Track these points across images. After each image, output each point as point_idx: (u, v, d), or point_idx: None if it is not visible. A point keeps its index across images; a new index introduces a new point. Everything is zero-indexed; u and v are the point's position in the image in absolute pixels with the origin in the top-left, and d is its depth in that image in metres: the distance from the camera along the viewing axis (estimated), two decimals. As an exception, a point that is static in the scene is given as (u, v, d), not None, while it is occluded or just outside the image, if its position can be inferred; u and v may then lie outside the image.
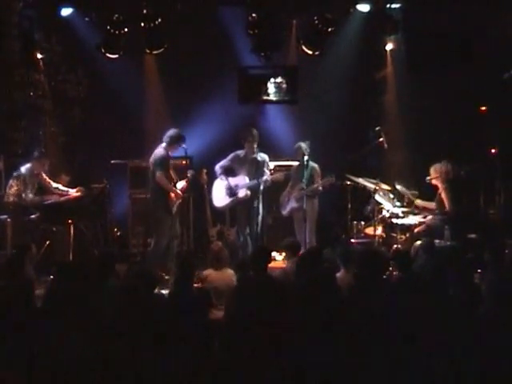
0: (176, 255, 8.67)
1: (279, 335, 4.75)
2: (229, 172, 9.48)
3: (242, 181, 9.32)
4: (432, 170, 9.10)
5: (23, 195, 9.09)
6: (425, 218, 9.11)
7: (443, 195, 9.06)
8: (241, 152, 9.41)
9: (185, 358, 4.57)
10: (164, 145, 9.01)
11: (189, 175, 9.17)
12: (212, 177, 9.63)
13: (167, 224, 8.97)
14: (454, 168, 9.13)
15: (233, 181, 9.40)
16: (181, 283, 5.87)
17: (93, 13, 9.83)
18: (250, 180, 9.26)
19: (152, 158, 9.04)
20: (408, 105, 10.84)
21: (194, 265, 6.32)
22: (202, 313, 5.12)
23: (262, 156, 9.39)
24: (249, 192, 9.26)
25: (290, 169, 9.87)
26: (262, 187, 9.22)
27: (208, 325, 4.97)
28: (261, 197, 9.35)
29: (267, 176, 9.29)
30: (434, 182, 9.13)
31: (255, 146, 9.30)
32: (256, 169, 9.27)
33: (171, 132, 9.02)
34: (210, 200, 9.70)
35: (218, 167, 9.43)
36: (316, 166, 9.42)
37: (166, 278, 8.64)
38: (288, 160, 10.19)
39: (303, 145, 9.33)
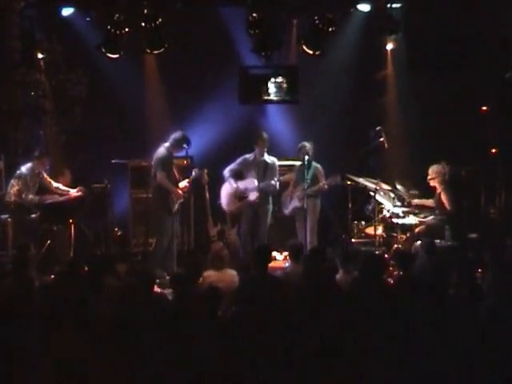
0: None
1: (280, 334, 4.76)
2: (237, 175, 9.50)
3: (251, 183, 9.34)
4: (430, 171, 9.13)
5: (23, 195, 9.10)
6: (425, 218, 9.13)
7: (442, 196, 9.08)
8: (250, 155, 9.44)
9: (185, 358, 4.57)
10: (167, 145, 9.03)
11: (193, 173, 9.19)
12: (213, 177, 9.63)
13: (168, 223, 8.99)
14: (451, 169, 9.15)
15: (242, 183, 9.42)
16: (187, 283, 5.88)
17: (93, 13, 9.82)
18: (259, 182, 9.27)
19: (154, 158, 9.08)
20: (408, 105, 10.84)
21: (201, 264, 6.36)
22: (211, 312, 5.11)
23: (272, 159, 9.45)
24: (259, 194, 9.28)
25: (292, 169, 9.89)
26: (276, 189, 9.30)
27: (214, 325, 4.97)
28: (271, 198, 9.41)
29: (279, 177, 9.36)
30: (431, 183, 9.16)
31: (265, 149, 9.35)
32: (265, 172, 9.33)
33: (177, 134, 9.04)
34: (211, 200, 9.72)
35: (226, 171, 9.45)
36: (319, 165, 9.43)
37: (167, 277, 8.65)
38: (288, 160, 10.20)
39: (307, 145, 9.35)
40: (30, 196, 9.17)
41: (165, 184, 8.97)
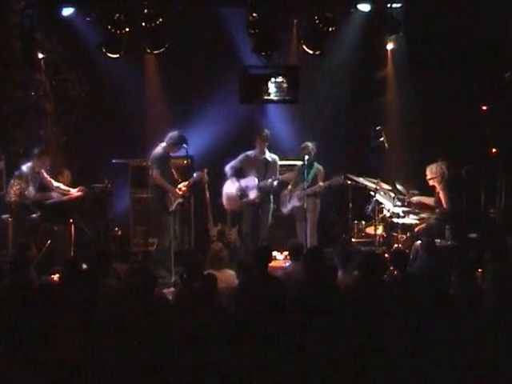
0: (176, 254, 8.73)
1: (279, 334, 4.76)
2: (238, 173, 9.51)
3: (251, 182, 9.34)
4: (428, 171, 9.10)
5: (26, 192, 9.10)
6: (425, 217, 9.12)
7: (441, 195, 9.07)
8: (251, 152, 9.45)
9: (185, 358, 4.58)
10: (164, 145, 9.06)
11: (194, 175, 9.20)
12: (213, 177, 9.63)
13: (168, 223, 9.00)
14: (449, 167, 9.14)
15: (243, 182, 9.43)
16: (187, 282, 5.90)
17: (94, 13, 9.82)
18: (259, 181, 9.28)
19: (151, 157, 9.11)
20: (408, 104, 10.84)
21: (201, 264, 6.38)
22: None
23: (273, 157, 9.46)
24: (259, 193, 9.30)
25: (292, 168, 9.91)
26: (273, 188, 9.31)
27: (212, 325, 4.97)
28: (272, 197, 9.42)
29: (278, 176, 9.37)
30: (430, 182, 9.15)
31: (266, 146, 9.36)
32: (266, 169, 9.35)
33: (173, 134, 9.07)
34: (211, 200, 9.73)
35: (228, 168, 9.46)
36: (320, 167, 9.45)
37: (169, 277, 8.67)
38: (288, 159, 10.21)
39: (310, 144, 9.36)
40: (33, 192, 9.17)
41: (160, 182, 8.99)
